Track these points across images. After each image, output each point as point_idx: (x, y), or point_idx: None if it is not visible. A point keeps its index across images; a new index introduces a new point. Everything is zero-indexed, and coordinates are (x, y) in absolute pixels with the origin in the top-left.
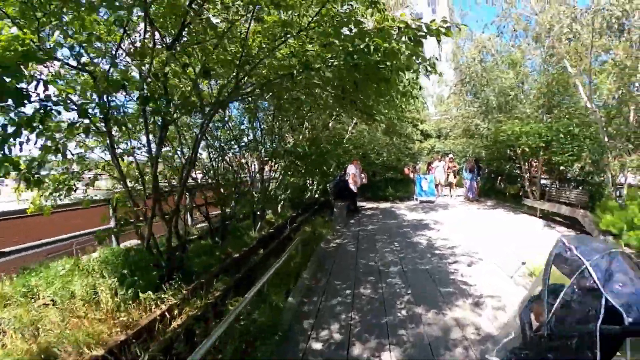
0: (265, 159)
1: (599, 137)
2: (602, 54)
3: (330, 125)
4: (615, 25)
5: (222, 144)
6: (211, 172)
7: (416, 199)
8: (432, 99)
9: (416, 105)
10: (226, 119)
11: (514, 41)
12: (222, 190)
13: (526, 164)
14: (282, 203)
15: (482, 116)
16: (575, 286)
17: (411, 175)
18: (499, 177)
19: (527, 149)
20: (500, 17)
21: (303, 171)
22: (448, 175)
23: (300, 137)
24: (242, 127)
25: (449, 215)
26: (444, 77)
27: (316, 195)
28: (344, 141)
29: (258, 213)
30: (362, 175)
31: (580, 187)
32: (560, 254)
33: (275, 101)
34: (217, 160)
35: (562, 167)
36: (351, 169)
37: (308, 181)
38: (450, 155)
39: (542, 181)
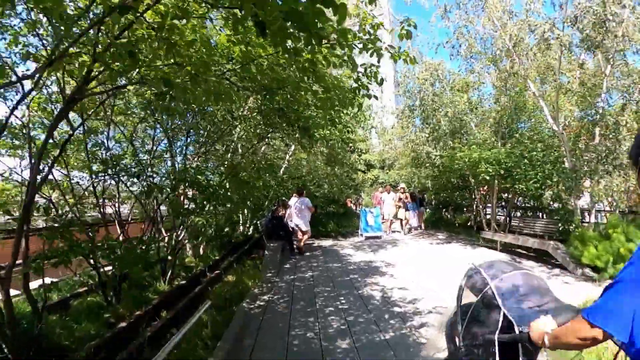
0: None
1: (561, 162)
2: (564, 73)
3: (262, 150)
4: (596, 33)
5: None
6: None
7: (361, 235)
8: (376, 129)
9: (363, 122)
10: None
11: (467, 64)
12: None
13: (479, 193)
14: (204, 243)
15: (433, 143)
16: (481, 303)
17: (353, 206)
18: (447, 208)
19: (487, 177)
20: (456, 35)
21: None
22: (399, 208)
23: (225, 162)
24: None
25: (401, 254)
26: (387, 105)
27: (250, 232)
28: (280, 171)
29: (169, 258)
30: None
31: (543, 216)
32: (471, 276)
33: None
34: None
35: (522, 196)
36: (302, 203)
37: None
38: (402, 186)
39: (491, 209)
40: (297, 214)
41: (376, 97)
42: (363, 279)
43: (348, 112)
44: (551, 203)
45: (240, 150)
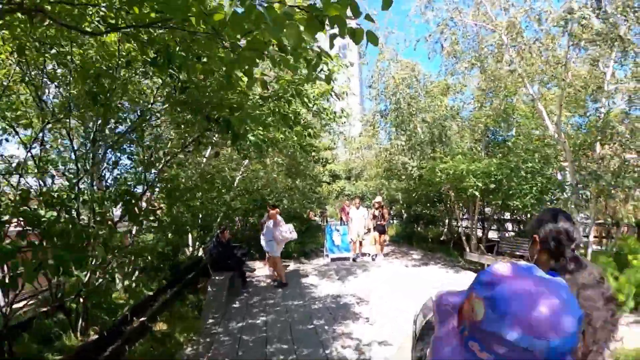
0: None
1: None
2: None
3: (203, 160)
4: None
5: None
6: None
7: (327, 256)
8: (343, 134)
9: (329, 119)
10: None
11: (448, 64)
12: None
13: (458, 208)
14: (135, 274)
15: (409, 152)
16: (428, 324)
17: (318, 219)
18: (419, 222)
19: (476, 192)
20: (440, 27)
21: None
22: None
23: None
24: None
25: (374, 284)
26: (354, 110)
27: (199, 254)
28: (233, 184)
29: (81, 300)
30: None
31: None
32: (426, 303)
33: None
34: None
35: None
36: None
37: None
38: (378, 199)
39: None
40: (265, 236)
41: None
42: (331, 327)
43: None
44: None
45: (163, 159)
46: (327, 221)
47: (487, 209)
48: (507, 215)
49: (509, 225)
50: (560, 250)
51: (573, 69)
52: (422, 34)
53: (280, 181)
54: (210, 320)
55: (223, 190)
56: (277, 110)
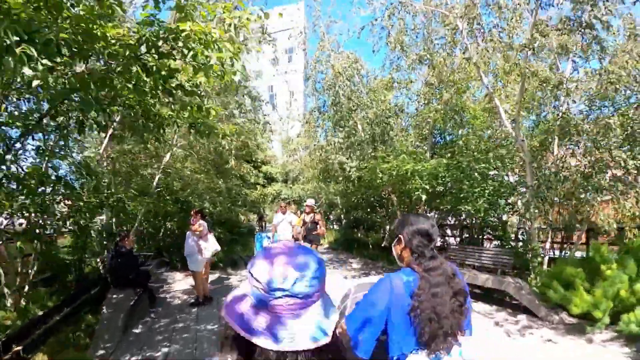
0: None
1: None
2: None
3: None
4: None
5: None
6: None
7: None
8: (280, 136)
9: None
10: None
11: (394, 57)
12: None
13: (400, 212)
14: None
15: (348, 151)
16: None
17: (255, 224)
18: (359, 227)
19: (423, 196)
20: (387, 13)
21: None
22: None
23: None
24: None
25: None
26: (294, 108)
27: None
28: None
29: None
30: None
31: (482, 242)
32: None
33: None
34: None
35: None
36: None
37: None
38: (309, 203)
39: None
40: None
41: None
42: None
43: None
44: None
45: None
46: (264, 227)
47: (431, 214)
48: (451, 220)
49: (456, 232)
50: (420, 249)
51: (531, 65)
52: (368, 24)
53: (202, 181)
54: (100, 352)
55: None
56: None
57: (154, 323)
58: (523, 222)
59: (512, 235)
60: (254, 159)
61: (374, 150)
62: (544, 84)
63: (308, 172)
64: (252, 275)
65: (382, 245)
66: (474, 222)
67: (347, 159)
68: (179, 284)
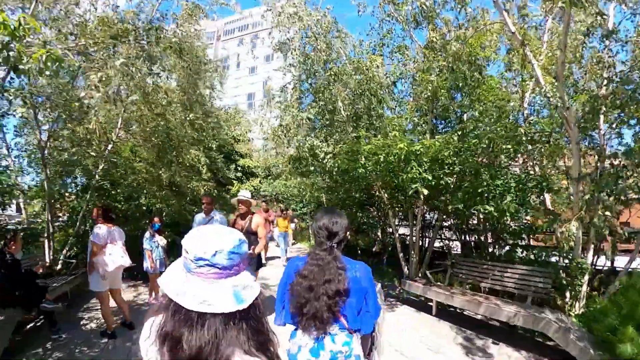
0: None
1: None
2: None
3: None
4: None
5: None
6: None
7: None
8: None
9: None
10: None
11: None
12: None
13: (393, 213)
14: None
15: (322, 133)
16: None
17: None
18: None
19: (424, 190)
20: None
21: None
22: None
23: None
24: None
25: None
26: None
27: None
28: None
29: None
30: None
31: (491, 254)
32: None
33: None
34: None
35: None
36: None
37: None
38: (244, 194)
39: (410, 239)
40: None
41: None
42: None
43: None
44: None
45: None
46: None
47: (431, 216)
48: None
49: (453, 234)
50: (318, 241)
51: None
52: None
53: (141, 171)
54: None
55: None
56: None
57: (55, 348)
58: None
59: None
60: (228, 150)
61: (355, 129)
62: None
63: (286, 166)
64: (182, 247)
65: (373, 250)
66: (488, 225)
67: (321, 141)
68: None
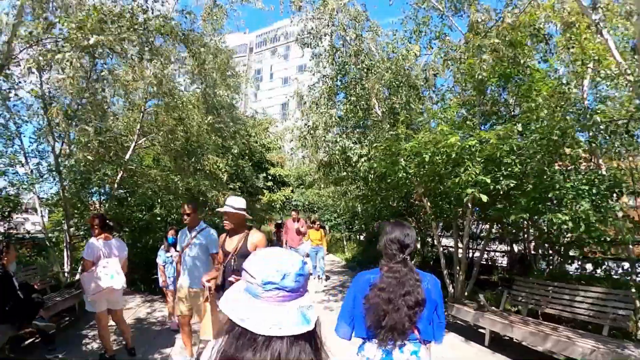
0: None
1: None
2: None
3: None
4: None
5: None
6: None
7: None
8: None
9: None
10: None
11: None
12: None
13: (436, 225)
14: None
15: (355, 134)
16: None
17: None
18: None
19: (483, 196)
20: None
21: None
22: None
23: None
24: None
25: None
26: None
27: None
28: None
29: None
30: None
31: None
32: None
33: None
34: None
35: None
36: (111, 248)
37: None
38: (229, 203)
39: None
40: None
41: None
42: None
43: None
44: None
45: None
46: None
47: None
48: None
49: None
50: (390, 254)
51: None
52: None
53: (156, 177)
54: None
55: None
56: None
57: None
58: None
59: None
60: (258, 159)
61: (393, 127)
62: None
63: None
64: (246, 272)
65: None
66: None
67: (354, 143)
68: (128, 312)
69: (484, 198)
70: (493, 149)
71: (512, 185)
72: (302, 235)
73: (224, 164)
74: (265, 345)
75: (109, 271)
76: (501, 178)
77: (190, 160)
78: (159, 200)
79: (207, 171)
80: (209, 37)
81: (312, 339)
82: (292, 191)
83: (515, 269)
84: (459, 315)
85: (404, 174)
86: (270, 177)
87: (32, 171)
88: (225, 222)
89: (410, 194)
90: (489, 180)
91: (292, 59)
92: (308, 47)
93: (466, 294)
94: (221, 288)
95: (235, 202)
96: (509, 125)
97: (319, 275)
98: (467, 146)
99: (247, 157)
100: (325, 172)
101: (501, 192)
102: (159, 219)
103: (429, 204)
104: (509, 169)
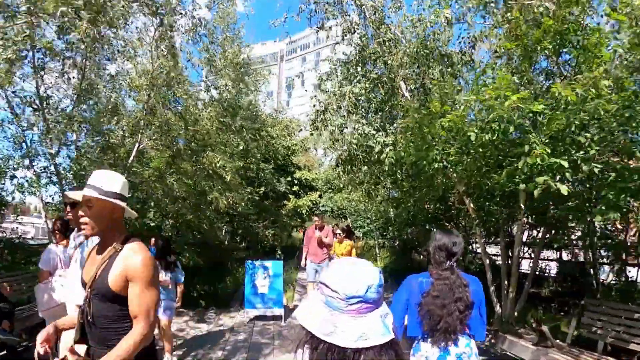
0: None
1: None
2: None
3: None
4: None
5: None
6: None
7: (245, 313)
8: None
9: None
10: None
11: None
12: None
13: (479, 229)
14: None
15: (377, 118)
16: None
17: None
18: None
19: (564, 188)
20: None
21: None
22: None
23: None
24: None
25: None
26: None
27: None
28: None
29: None
30: None
31: None
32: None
33: None
34: None
35: None
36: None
37: None
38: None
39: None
40: None
41: None
42: None
43: None
44: None
45: None
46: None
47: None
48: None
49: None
50: (438, 261)
51: None
52: None
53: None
54: None
55: None
56: None
57: None
58: None
59: None
60: (282, 162)
61: (423, 105)
62: None
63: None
64: (327, 286)
65: None
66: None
67: (375, 130)
68: None
69: (564, 189)
70: (567, 118)
71: (596, 171)
72: (327, 247)
73: (226, 162)
74: (356, 358)
75: (68, 283)
76: (580, 161)
77: (191, 160)
78: (152, 204)
79: (209, 171)
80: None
81: (394, 346)
82: (319, 196)
83: (568, 282)
84: (513, 350)
85: (440, 164)
86: (296, 182)
87: (38, 175)
88: (81, 221)
89: (447, 195)
90: (565, 164)
91: (323, 63)
92: (322, 28)
93: (516, 313)
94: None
95: (102, 181)
96: (589, 73)
97: None
98: (531, 113)
99: (271, 161)
100: (345, 169)
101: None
102: (152, 225)
103: (471, 205)
104: (588, 149)
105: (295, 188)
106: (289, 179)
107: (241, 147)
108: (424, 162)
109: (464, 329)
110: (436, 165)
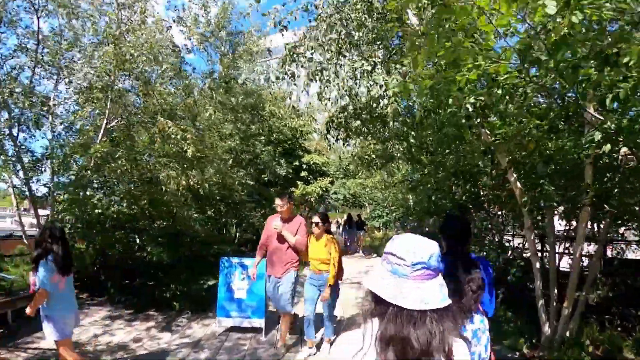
0: None
1: None
2: None
3: None
4: None
5: None
6: None
7: (217, 323)
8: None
9: None
10: None
11: None
12: None
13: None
14: None
15: (379, 53)
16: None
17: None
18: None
19: None
20: None
21: None
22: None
23: None
24: None
25: None
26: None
27: None
28: None
29: None
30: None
31: None
32: None
33: None
34: None
35: None
36: None
37: None
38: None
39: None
40: None
41: None
42: None
43: None
44: None
45: None
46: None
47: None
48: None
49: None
50: (450, 245)
51: None
52: None
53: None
54: None
55: None
56: None
57: None
58: None
59: None
60: (289, 145)
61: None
62: None
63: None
64: (394, 254)
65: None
66: None
67: (379, 70)
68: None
69: None
70: None
71: None
72: (296, 251)
73: (179, 128)
74: (422, 320)
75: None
76: None
77: (146, 129)
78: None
79: (168, 143)
80: None
81: (450, 310)
82: (331, 182)
83: (619, 285)
84: None
85: (474, 112)
86: (304, 166)
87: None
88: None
89: (478, 174)
90: None
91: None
92: None
93: (567, 333)
94: None
95: None
96: None
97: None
98: None
99: (276, 143)
100: (337, 132)
101: None
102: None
103: (519, 184)
104: None
105: (304, 173)
106: (297, 163)
107: (239, 128)
108: (451, 91)
109: (477, 307)
110: (463, 113)
